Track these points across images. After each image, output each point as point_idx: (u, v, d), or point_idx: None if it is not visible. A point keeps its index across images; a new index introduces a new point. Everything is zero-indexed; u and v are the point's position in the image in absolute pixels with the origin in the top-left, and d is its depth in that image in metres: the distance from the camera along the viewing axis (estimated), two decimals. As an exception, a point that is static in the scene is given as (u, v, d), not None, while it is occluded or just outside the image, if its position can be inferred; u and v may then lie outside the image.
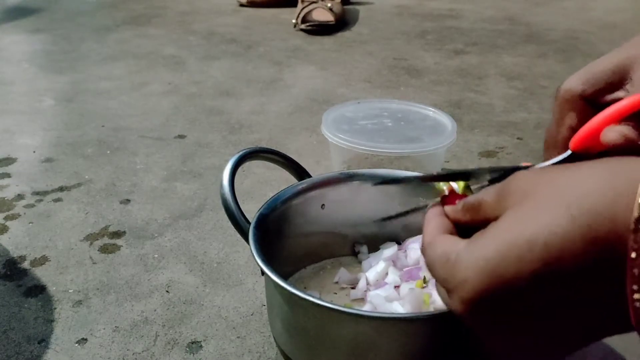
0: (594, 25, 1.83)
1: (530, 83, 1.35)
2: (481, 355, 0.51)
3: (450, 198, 0.41)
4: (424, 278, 0.58)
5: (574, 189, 0.29)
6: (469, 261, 0.32)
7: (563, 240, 0.28)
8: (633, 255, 0.26)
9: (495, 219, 0.33)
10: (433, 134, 0.86)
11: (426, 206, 0.43)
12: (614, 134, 0.37)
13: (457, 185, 0.42)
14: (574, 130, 0.42)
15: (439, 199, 0.42)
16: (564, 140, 0.43)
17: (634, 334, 0.28)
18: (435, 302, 0.54)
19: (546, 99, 1.26)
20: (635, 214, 0.26)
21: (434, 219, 0.39)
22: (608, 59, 0.42)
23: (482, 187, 0.41)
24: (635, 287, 0.26)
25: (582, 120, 0.42)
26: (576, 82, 0.42)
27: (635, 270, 0.26)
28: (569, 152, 0.41)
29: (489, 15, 1.97)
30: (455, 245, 0.34)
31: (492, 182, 0.41)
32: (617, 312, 0.28)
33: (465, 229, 0.37)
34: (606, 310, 0.29)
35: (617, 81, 0.41)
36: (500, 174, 0.40)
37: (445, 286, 0.34)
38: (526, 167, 0.40)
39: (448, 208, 0.39)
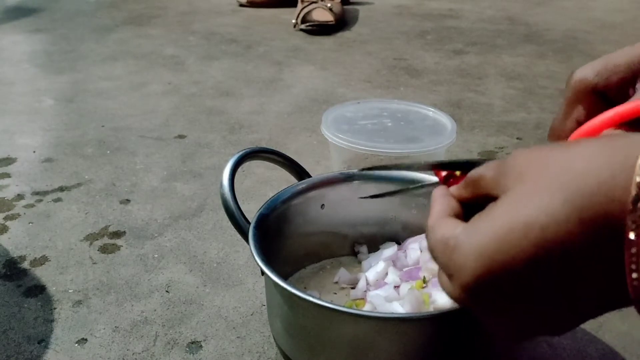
0: (594, 25, 1.83)
1: (530, 83, 1.35)
2: (481, 355, 0.51)
3: (455, 179, 0.41)
4: (424, 278, 0.58)
5: (569, 168, 0.29)
6: (467, 247, 0.32)
7: (558, 222, 0.28)
8: (631, 235, 0.26)
9: (495, 196, 0.33)
10: (433, 134, 0.86)
11: (418, 186, 0.43)
12: None
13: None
14: (580, 124, 0.42)
15: (435, 179, 0.42)
16: (569, 133, 0.42)
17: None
18: (436, 302, 0.54)
19: (546, 99, 1.26)
20: (633, 193, 0.26)
21: (439, 200, 0.38)
22: (626, 53, 0.41)
23: None
24: (633, 266, 0.26)
25: (590, 115, 0.41)
26: (590, 72, 0.41)
27: (634, 250, 0.26)
28: None
29: (489, 15, 1.97)
30: (454, 229, 0.34)
31: None
32: (616, 288, 0.28)
33: (470, 206, 0.37)
34: (605, 287, 0.29)
35: (631, 78, 0.40)
36: None
37: (445, 272, 0.34)
38: None
39: (453, 188, 0.39)
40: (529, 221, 0.29)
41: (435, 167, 0.42)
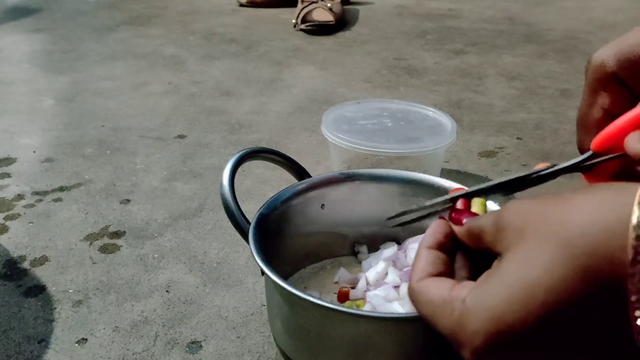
0: (594, 25, 1.83)
1: (530, 83, 1.35)
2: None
3: (459, 213, 0.40)
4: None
5: (566, 224, 0.29)
6: (477, 312, 0.32)
7: (563, 284, 0.28)
8: (633, 298, 0.27)
9: (497, 252, 0.33)
10: (433, 134, 0.86)
11: (446, 208, 0.42)
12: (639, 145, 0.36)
13: (475, 202, 0.41)
14: (606, 112, 0.41)
15: (446, 198, 0.41)
16: (597, 122, 0.41)
17: None
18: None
19: (546, 99, 1.26)
20: (630, 257, 0.26)
21: (423, 254, 0.37)
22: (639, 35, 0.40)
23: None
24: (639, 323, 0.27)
25: (614, 101, 0.40)
26: (608, 58, 0.40)
27: (638, 313, 0.27)
28: (590, 152, 0.40)
29: (489, 15, 1.97)
30: (454, 291, 0.34)
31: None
32: (625, 341, 0.28)
33: (468, 250, 0.37)
34: (613, 341, 0.29)
35: None
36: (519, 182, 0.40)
37: (453, 337, 0.33)
38: (544, 169, 0.40)
39: (457, 228, 0.39)
40: (534, 283, 0.29)
41: (454, 200, 0.42)
